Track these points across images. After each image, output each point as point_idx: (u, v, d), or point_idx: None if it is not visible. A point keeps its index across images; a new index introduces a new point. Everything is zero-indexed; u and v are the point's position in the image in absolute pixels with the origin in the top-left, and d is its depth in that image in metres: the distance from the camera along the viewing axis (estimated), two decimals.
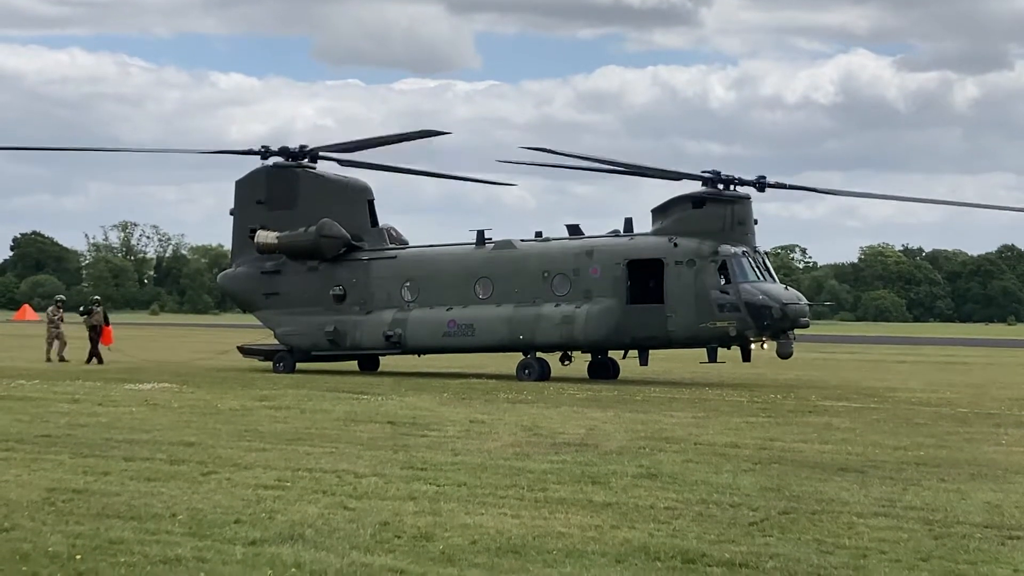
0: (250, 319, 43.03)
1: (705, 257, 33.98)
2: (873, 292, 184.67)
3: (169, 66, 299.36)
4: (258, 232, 38.74)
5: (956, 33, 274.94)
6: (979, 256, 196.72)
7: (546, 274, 35.82)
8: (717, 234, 34.30)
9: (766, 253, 36.01)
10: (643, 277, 34.92)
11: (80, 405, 24.40)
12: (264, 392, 28.45)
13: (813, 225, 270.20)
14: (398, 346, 37.12)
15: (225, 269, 43.04)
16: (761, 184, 35.40)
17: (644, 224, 36.17)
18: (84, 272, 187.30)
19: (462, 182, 49.71)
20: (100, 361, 41.04)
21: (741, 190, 35.39)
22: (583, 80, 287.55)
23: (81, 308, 45.30)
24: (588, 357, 37.38)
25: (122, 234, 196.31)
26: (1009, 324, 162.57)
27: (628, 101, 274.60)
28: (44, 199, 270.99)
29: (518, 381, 34.01)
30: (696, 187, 35.71)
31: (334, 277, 38.27)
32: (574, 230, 37.09)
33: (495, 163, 37.55)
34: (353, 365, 39.65)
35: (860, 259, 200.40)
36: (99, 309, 42.96)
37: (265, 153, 39.40)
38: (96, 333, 42.09)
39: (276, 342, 39.32)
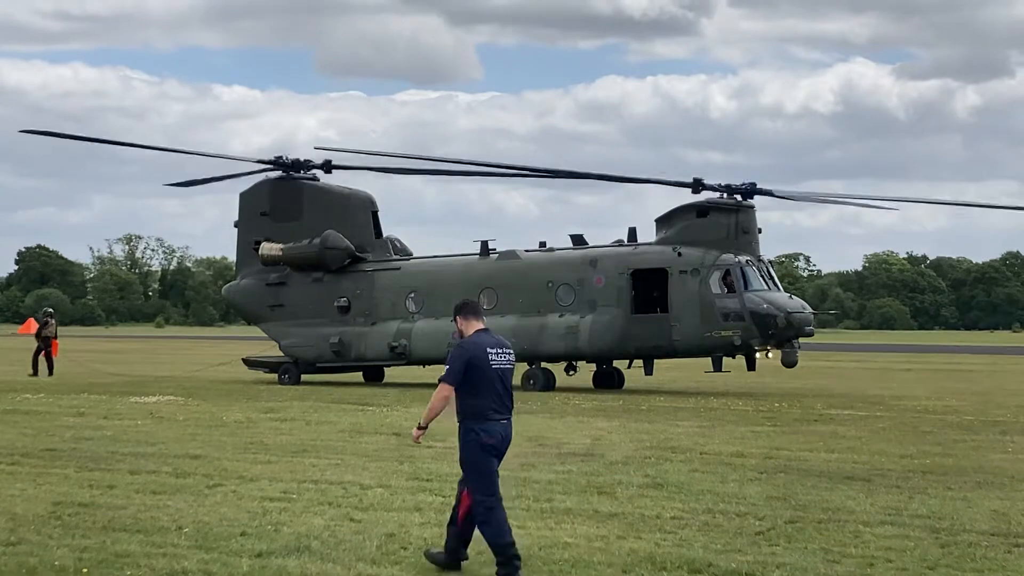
0: (255, 331, 43.04)
1: (709, 266, 33.98)
2: (878, 300, 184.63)
3: (171, 79, 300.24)
4: (262, 244, 38.79)
5: (956, 41, 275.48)
6: (984, 263, 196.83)
7: (550, 284, 35.83)
8: (721, 243, 34.30)
9: (770, 262, 36.01)
10: (647, 287, 34.93)
11: (85, 418, 24.39)
12: (269, 404, 28.44)
13: (817, 233, 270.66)
14: (403, 357, 37.12)
15: (230, 281, 43.08)
16: (749, 191, 35.17)
17: (648, 234, 36.23)
18: (89, 285, 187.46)
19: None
20: (51, 372, 40.85)
21: (729, 198, 35.22)
22: (584, 90, 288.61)
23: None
24: (593, 367, 37.38)
25: (127, 247, 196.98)
26: (1014, 331, 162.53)
27: (629, 111, 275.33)
28: (49, 212, 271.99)
29: (523, 391, 33.99)
30: (681, 195, 35.67)
31: (338, 288, 38.30)
32: (578, 240, 37.11)
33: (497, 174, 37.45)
34: (358, 376, 39.65)
35: (864, 267, 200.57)
36: (52, 321, 42.83)
37: (280, 166, 39.36)
38: (47, 345, 41.97)
39: (281, 354, 39.33)
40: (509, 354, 10.73)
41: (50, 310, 45.08)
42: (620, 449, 19.82)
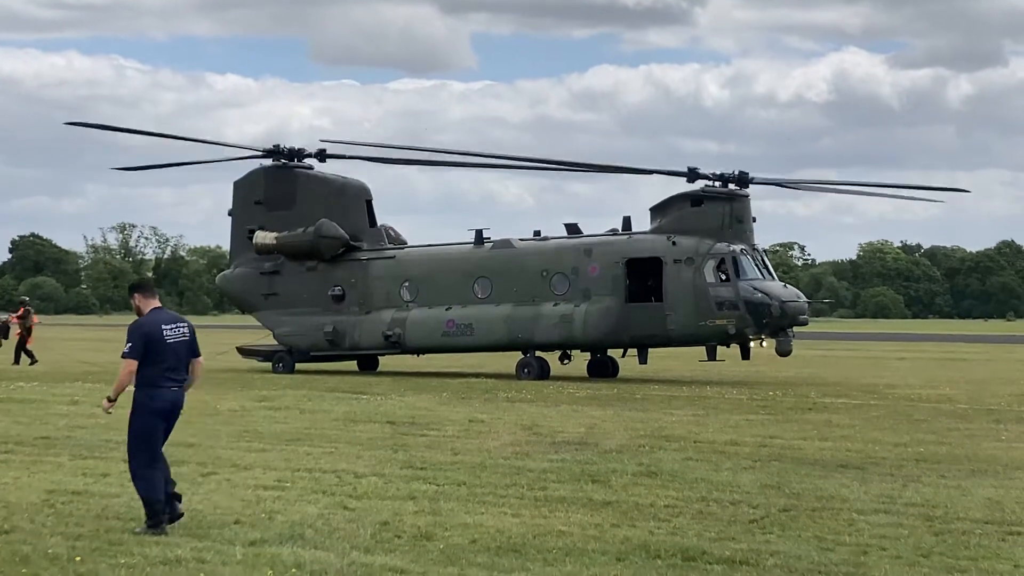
0: (249, 320, 42.99)
1: (704, 255, 33.98)
2: (872, 289, 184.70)
3: (165, 68, 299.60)
4: (256, 233, 38.71)
5: (949, 30, 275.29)
6: (978, 252, 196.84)
7: (545, 273, 35.81)
8: (716, 232, 34.29)
9: (764, 251, 36.01)
10: (642, 276, 34.93)
11: (79, 407, 24.35)
12: (263, 393, 28.42)
13: (811, 222, 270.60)
14: (397, 346, 37.11)
15: (224, 270, 43.02)
16: (742, 179, 35.23)
17: (643, 223, 36.21)
18: (83, 274, 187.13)
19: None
20: (32, 360, 40.78)
21: (722, 185, 35.29)
22: (577, 79, 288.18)
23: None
24: (587, 356, 37.38)
25: (120, 236, 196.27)
26: (1008, 320, 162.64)
27: (622, 100, 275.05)
28: (42, 201, 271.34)
29: (517, 380, 34.01)
30: (675, 184, 35.75)
31: (333, 277, 38.25)
32: (573, 229, 37.08)
33: (490, 163, 37.45)
34: (352, 365, 39.63)
35: (859, 256, 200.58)
36: (31, 309, 42.71)
37: (275, 154, 39.26)
38: (28, 333, 41.86)
39: (275, 343, 39.30)
40: (183, 328, 12.17)
41: (26, 298, 44.96)
42: (614, 438, 19.82)
